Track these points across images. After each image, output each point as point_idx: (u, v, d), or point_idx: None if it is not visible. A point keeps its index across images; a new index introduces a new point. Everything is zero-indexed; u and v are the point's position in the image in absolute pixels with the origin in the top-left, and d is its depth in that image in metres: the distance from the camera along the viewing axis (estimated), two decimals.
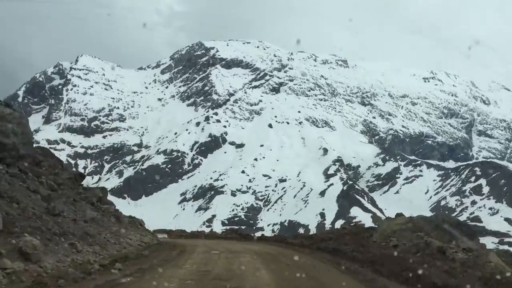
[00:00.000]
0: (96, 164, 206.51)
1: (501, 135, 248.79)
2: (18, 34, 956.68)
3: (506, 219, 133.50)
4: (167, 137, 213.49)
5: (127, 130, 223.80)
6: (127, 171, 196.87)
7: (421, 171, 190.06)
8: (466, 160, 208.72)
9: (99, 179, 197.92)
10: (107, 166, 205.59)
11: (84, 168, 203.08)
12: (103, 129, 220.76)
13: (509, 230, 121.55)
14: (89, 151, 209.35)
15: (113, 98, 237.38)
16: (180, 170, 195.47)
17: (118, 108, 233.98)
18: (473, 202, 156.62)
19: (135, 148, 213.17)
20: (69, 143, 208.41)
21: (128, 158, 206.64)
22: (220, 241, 28.66)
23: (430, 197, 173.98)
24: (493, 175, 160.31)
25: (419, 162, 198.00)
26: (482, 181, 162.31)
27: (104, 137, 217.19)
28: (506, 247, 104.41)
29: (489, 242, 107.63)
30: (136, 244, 17.62)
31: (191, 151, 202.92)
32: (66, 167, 22.41)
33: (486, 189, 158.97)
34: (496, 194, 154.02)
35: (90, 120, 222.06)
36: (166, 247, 19.50)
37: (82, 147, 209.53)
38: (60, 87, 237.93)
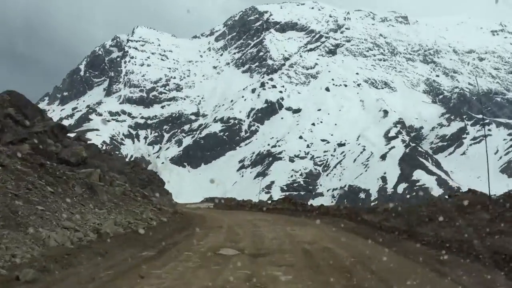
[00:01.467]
0: (156, 134, 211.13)
1: None
2: (76, 10, 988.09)
3: None
4: (223, 105, 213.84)
5: (184, 99, 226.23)
6: (186, 140, 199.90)
7: (490, 130, 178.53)
8: None
9: (160, 148, 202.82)
10: (166, 136, 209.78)
11: (145, 138, 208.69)
12: (161, 99, 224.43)
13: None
14: (149, 122, 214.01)
15: (169, 68, 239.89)
16: (238, 138, 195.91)
17: (174, 78, 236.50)
18: None
19: (193, 117, 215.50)
20: (129, 114, 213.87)
21: (186, 127, 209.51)
22: (264, 216, 21.73)
23: (500, 157, 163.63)
24: None
25: (487, 121, 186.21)
26: None
27: (162, 107, 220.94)
28: None
29: None
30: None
31: (248, 118, 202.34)
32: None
33: None
34: None
35: (149, 91, 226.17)
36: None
37: (142, 117, 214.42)
38: (118, 59, 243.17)
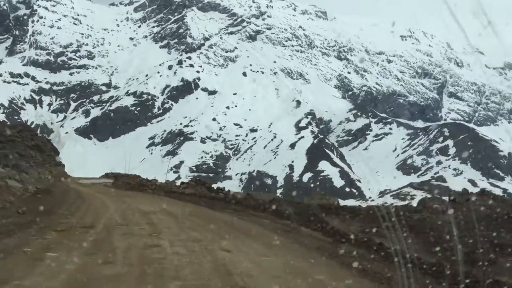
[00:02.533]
0: (62, 101, 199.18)
1: (471, 98, 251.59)
2: None
3: (470, 180, 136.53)
4: (137, 78, 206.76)
5: (96, 68, 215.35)
6: (94, 111, 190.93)
7: (391, 129, 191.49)
8: (435, 121, 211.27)
9: (65, 117, 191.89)
10: (73, 105, 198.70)
11: (49, 105, 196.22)
12: (70, 65, 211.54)
13: (472, 192, 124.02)
14: (55, 88, 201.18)
15: (82, 34, 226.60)
16: (150, 114, 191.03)
17: (87, 44, 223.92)
18: (439, 162, 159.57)
19: (104, 88, 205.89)
20: (33, 78, 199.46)
21: (95, 98, 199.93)
22: (171, 205, 15.80)
23: (398, 155, 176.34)
24: (461, 136, 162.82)
25: (389, 120, 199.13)
26: (449, 142, 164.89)
27: (71, 74, 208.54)
28: None
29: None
30: None
31: (162, 95, 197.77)
32: None
33: (452, 150, 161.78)
34: (461, 156, 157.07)
35: (57, 55, 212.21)
36: None
37: (48, 83, 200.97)
38: (25, 17, 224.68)
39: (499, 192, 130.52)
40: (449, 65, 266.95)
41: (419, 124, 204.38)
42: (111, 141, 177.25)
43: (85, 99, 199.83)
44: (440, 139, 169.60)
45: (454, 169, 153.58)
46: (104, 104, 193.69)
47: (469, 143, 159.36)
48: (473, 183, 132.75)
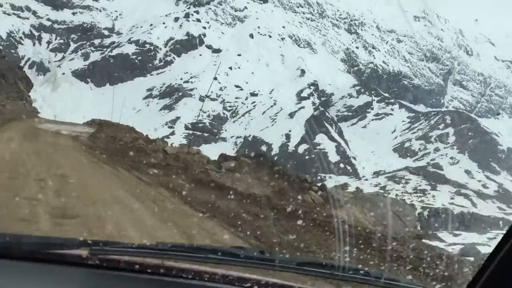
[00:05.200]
0: (62, 41, 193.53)
1: (476, 88, 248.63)
2: None
3: (466, 171, 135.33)
4: (141, 27, 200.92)
5: (100, 11, 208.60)
6: (94, 55, 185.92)
7: (392, 110, 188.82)
8: (437, 107, 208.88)
9: (63, 57, 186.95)
10: (72, 46, 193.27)
11: (48, 42, 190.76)
12: (73, 4, 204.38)
13: (467, 182, 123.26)
14: (56, 26, 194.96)
15: None
16: (150, 65, 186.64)
17: None
18: (436, 149, 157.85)
19: (106, 32, 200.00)
20: (34, 13, 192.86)
21: (96, 42, 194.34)
22: None
23: (396, 137, 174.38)
24: (462, 126, 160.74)
25: (392, 100, 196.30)
26: (450, 130, 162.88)
27: (73, 13, 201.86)
28: (462, 198, 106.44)
29: (446, 191, 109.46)
30: None
31: (165, 47, 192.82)
32: None
33: (452, 139, 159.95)
34: (460, 145, 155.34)
35: None
36: None
37: (49, 20, 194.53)
38: None
39: (494, 187, 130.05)
40: (458, 52, 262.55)
41: (421, 108, 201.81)
42: (108, 87, 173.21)
43: (85, 42, 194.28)
44: (441, 126, 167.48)
45: (451, 158, 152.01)
46: (105, 49, 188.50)
47: (470, 134, 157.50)
48: (469, 173, 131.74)
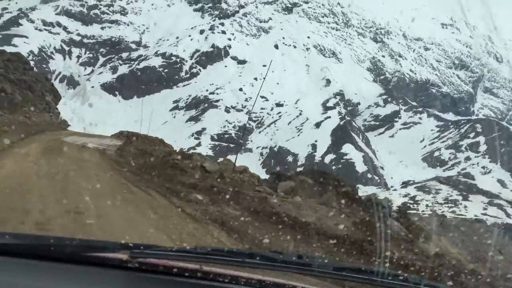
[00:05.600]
0: (91, 55, 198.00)
1: (506, 96, 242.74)
2: None
3: (499, 180, 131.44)
4: (168, 40, 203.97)
5: (128, 25, 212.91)
6: (122, 68, 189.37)
7: (420, 118, 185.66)
8: (467, 115, 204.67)
9: (92, 71, 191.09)
10: (101, 59, 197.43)
11: (78, 57, 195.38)
12: (102, 19, 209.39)
13: (500, 192, 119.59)
14: (85, 40, 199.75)
15: None
16: (177, 77, 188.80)
17: (121, 0, 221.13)
18: (467, 158, 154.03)
19: (133, 46, 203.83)
20: (65, 28, 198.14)
21: (124, 55, 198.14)
22: None
23: (425, 146, 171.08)
24: (493, 134, 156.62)
25: (420, 109, 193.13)
26: (481, 139, 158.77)
27: (102, 28, 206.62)
28: (495, 208, 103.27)
29: (478, 201, 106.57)
30: None
31: (191, 59, 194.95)
32: None
33: (483, 147, 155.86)
34: (492, 154, 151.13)
35: (90, 7, 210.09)
36: None
37: (79, 34, 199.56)
38: None
39: None
40: (488, 59, 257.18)
41: (450, 116, 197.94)
42: (136, 100, 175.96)
43: (114, 55, 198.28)
44: (472, 135, 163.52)
45: (483, 167, 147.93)
46: (132, 62, 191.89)
47: (502, 142, 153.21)
48: (502, 183, 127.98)
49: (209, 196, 10.49)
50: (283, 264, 1.83)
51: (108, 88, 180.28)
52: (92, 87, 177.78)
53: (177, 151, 19.12)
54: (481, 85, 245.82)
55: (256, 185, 13.09)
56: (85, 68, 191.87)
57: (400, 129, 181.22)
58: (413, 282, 1.84)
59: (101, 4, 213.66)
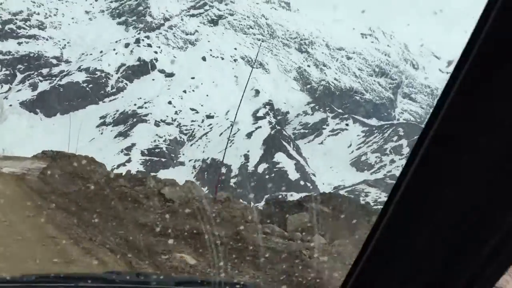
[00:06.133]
0: (8, 72, 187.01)
1: (424, 100, 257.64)
2: None
3: None
4: (91, 54, 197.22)
5: (47, 40, 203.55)
6: (42, 85, 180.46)
7: (347, 125, 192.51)
8: (388, 120, 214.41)
9: (9, 88, 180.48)
10: (19, 76, 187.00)
11: None
12: (18, 34, 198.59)
13: None
14: (1, 57, 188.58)
15: (34, 2, 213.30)
16: (102, 92, 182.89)
17: (38, 14, 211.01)
18: (392, 161, 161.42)
19: (54, 61, 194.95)
20: None
21: (44, 71, 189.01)
22: None
23: (352, 151, 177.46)
24: (415, 137, 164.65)
25: (346, 116, 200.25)
26: (403, 142, 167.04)
27: (19, 43, 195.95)
28: None
29: None
30: None
31: (117, 73, 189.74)
32: None
33: (406, 150, 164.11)
34: None
35: (5, 22, 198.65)
36: None
37: None
38: None
39: None
40: (405, 66, 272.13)
41: (374, 122, 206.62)
42: (59, 117, 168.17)
43: (33, 72, 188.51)
44: (395, 138, 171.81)
45: None
46: (54, 78, 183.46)
47: None
48: None
49: (202, 255, 6.51)
50: (120, 285, 1.67)
51: (28, 105, 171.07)
52: (10, 105, 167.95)
53: (122, 174, 15.00)
54: (400, 91, 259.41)
55: (247, 221, 9.13)
56: (2, 86, 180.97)
57: (329, 135, 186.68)
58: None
59: (16, 19, 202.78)
